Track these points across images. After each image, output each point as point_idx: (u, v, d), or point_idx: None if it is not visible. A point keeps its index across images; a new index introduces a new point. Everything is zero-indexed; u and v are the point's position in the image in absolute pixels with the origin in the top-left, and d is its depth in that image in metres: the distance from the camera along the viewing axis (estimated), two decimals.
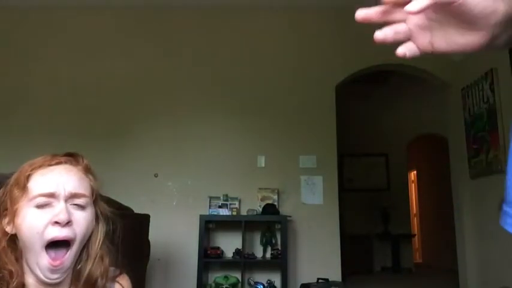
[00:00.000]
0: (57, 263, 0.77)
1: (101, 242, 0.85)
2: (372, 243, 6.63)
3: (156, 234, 3.38)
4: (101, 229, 0.87)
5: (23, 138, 4.33)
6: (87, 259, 0.83)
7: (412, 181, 9.05)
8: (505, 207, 0.64)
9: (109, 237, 0.88)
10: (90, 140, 4.31)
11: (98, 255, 0.84)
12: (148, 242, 3.06)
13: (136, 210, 2.97)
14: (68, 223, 0.78)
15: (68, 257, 0.79)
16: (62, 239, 0.77)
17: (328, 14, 4.58)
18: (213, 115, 4.38)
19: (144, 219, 3.02)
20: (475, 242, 4.04)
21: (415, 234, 7.77)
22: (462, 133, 4.22)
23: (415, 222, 8.78)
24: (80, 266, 0.83)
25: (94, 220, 0.85)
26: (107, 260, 0.85)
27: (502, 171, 3.51)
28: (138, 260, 2.82)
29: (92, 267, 0.83)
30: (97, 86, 4.47)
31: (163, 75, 4.49)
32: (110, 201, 2.54)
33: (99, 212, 0.87)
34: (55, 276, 0.77)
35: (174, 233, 4.08)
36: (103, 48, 4.58)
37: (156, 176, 4.25)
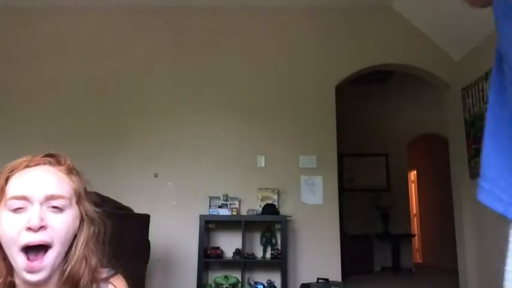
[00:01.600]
0: (34, 264, 0.76)
1: (84, 243, 0.84)
2: (372, 243, 6.63)
3: (156, 234, 3.38)
4: (86, 230, 0.85)
5: (24, 138, 4.33)
6: (71, 260, 0.82)
7: (412, 181, 9.05)
8: (481, 182, 0.68)
9: (95, 237, 0.87)
10: (90, 140, 4.32)
11: (81, 256, 0.83)
12: (148, 242, 3.06)
13: (137, 210, 2.98)
14: (42, 228, 0.76)
15: (46, 258, 0.77)
16: (37, 243, 0.76)
17: (329, 14, 4.58)
18: (213, 115, 4.38)
19: (144, 219, 3.03)
20: (475, 242, 4.04)
21: (415, 234, 7.77)
22: (462, 133, 4.22)
23: (415, 222, 8.78)
24: (65, 266, 0.82)
25: (77, 221, 0.84)
26: (92, 261, 0.84)
27: None
28: (138, 260, 2.82)
29: (73, 267, 0.81)
30: (97, 86, 4.47)
31: (163, 76, 4.49)
32: (109, 201, 2.53)
33: (83, 213, 0.85)
34: (34, 278, 0.76)
35: (174, 233, 4.08)
36: (103, 48, 4.58)
37: (156, 176, 4.25)
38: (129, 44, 4.58)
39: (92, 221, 0.87)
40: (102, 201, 2.24)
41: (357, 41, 4.51)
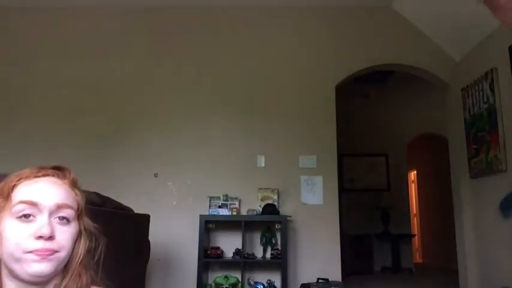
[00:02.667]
0: (45, 252, 0.74)
1: (80, 258, 0.82)
2: (372, 243, 6.63)
3: (156, 234, 3.38)
4: (83, 245, 0.83)
5: (24, 138, 4.33)
6: (66, 275, 0.81)
7: (412, 181, 9.05)
8: None
9: (90, 254, 0.86)
10: (90, 140, 4.32)
11: (76, 272, 0.81)
12: (148, 242, 3.06)
13: (137, 210, 2.97)
14: (50, 238, 0.75)
15: (55, 254, 0.76)
16: (45, 250, 0.75)
17: (328, 14, 4.58)
18: (213, 115, 4.38)
19: (144, 219, 3.02)
20: (475, 242, 4.04)
21: (415, 234, 7.77)
22: (462, 133, 4.22)
23: (415, 222, 8.78)
24: (60, 281, 0.80)
25: (76, 235, 0.83)
26: (84, 278, 0.82)
27: (502, 171, 3.51)
28: (138, 260, 2.82)
29: (68, 283, 0.80)
30: (97, 86, 4.47)
31: (163, 75, 4.49)
32: (109, 201, 2.53)
33: (82, 228, 0.85)
34: (42, 267, 0.74)
35: (174, 233, 4.08)
36: (103, 48, 4.58)
37: (156, 176, 4.25)
38: (129, 44, 4.57)
39: (89, 236, 0.86)
40: (102, 201, 2.25)
41: (357, 41, 4.51)
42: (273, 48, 4.53)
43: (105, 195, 2.36)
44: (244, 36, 4.59)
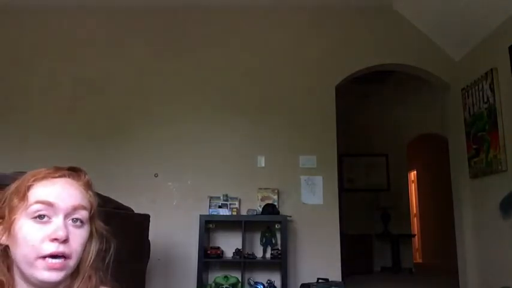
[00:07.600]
0: (56, 265, 0.75)
1: (91, 260, 0.83)
2: (372, 243, 6.63)
3: (156, 234, 3.38)
4: (94, 247, 0.84)
5: (24, 138, 4.33)
6: (76, 277, 0.81)
7: (412, 181, 9.06)
8: None
9: (100, 256, 0.86)
10: (90, 140, 4.32)
11: (87, 274, 0.82)
12: (148, 242, 3.06)
13: (137, 210, 2.97)
14: (65, 241, 0.76)
15: (66, 261, 0.76)
16: (60, 254, 0.75)
17: (328, 14, 4.58)
18: (213, 115, 4.38)
19: (144, 219, 3.02)
20: (475, 242, 4.04)
21: (415, 234, 7.77)
22: (462, 133, 4.22)
23: (415, 222, 8.78)
24: (69, 282, 0.81)
25: (88, 237, 0.83)
26: (94, 280, 0.83)
27: (502, 171, 3.51)
28: (138, 260, 2.82)
29: (79, 285, 0.81)
30: (97, 86, 4.47)
31: (163, 75, 4.49)
32: (110, 201, 2.53)
33: (93, 230, 0.85)
34: (53, 275, 0.75)
35: (174, 233, 4.08)
36: (103, 48, 4.58)
37: (156, 176, 4.25)
38: (129, 44, 4.57)
39: (99, 238, 0.87)
40: (102, 202, 2.24)
41: (357, 41, 4.51)
42: (273, 49, 4.53)
43: (105, 195, 2.36)
44: (244, 36, 4.59)
